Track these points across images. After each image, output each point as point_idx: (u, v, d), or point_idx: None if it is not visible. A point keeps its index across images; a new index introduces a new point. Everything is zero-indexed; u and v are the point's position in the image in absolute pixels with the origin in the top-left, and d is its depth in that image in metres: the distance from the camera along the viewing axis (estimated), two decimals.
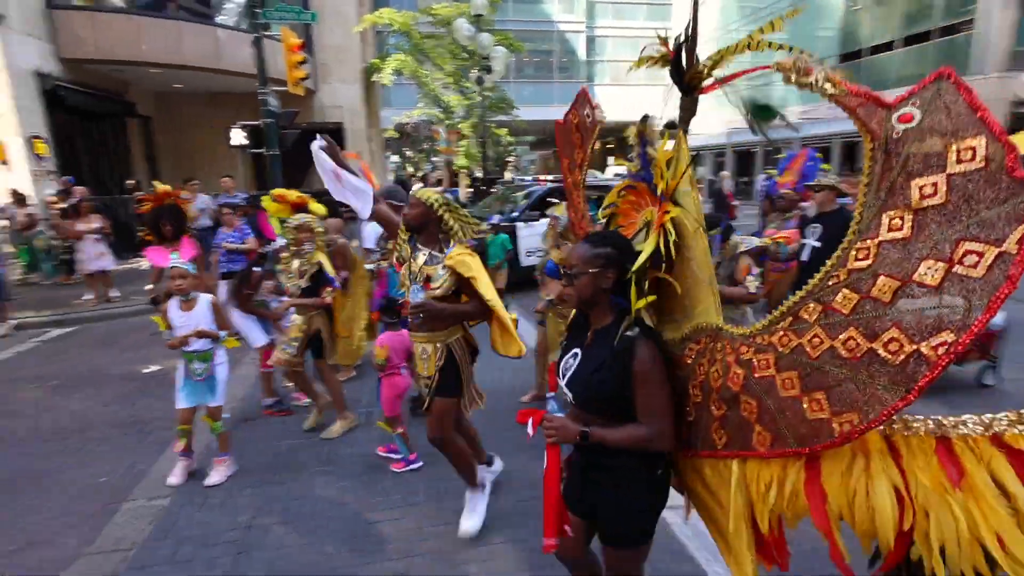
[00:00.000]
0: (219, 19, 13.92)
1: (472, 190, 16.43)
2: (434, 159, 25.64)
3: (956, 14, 18.43)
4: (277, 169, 9.63)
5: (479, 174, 17.22)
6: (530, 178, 18.14)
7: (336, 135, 16.46)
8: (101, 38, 11.28)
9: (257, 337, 4.48)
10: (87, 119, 12.07)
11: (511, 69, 23.58)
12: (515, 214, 8.66)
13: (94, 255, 8.06)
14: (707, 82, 1.50)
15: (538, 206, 8.73)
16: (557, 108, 30.55)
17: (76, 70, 11.30)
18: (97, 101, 12.12)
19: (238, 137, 10.46)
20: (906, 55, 20.44)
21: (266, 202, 4.45)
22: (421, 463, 3.54)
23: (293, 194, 4.39)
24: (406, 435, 3.55)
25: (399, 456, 3.56)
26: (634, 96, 35.20)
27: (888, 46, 21.21)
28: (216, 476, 3.44)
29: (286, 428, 4.20)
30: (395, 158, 29.41)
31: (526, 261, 8.17)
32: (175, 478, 3.43)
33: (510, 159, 28.44)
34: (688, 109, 1.59)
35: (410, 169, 27.27)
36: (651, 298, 1.57)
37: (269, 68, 9.78)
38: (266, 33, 10.14)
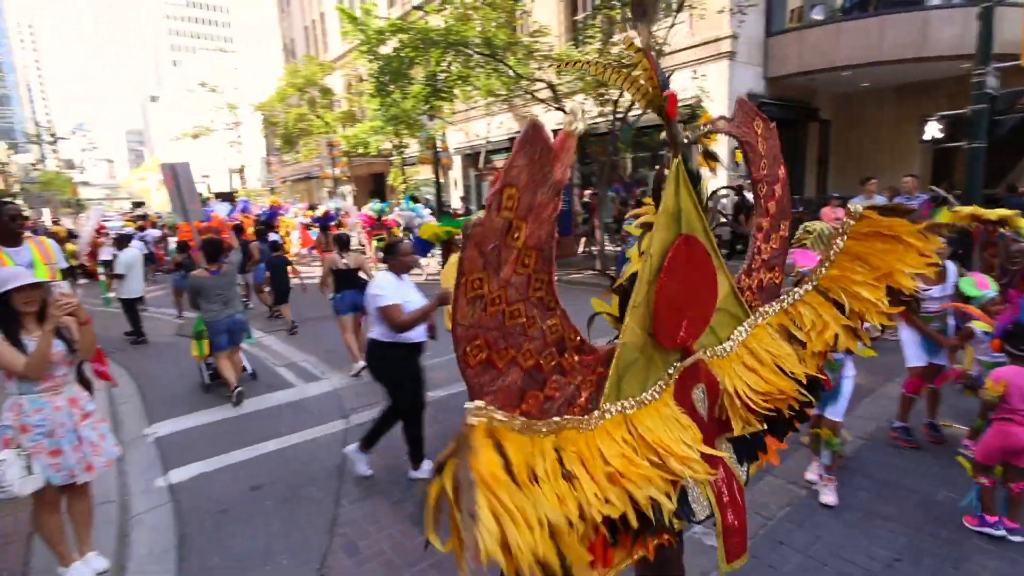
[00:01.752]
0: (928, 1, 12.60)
1: None
2: None
3: None
4: (977, 163, 8.00)
5: None
6: None
7: None
8: (804, 52, 12.49)
9: (913, 356, 3.98)
10: (779, 128, 13.80)
11: None
12: None
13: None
14: None
15: None
16: None
17: (776, 85, 13.03)
18: (787, 111, 13.60)
19: (932, 130, 9.30)
20: None
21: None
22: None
23: None
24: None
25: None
26: None
27: None
28: (829, 496, 3.29)
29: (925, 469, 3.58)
30: None
31: None
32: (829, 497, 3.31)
33: None
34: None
35: None
36: None
37: (993, 43, 8.10)
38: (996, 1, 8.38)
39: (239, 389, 5.48)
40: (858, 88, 13.87)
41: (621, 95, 10.79)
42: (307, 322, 8.63)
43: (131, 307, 8.25)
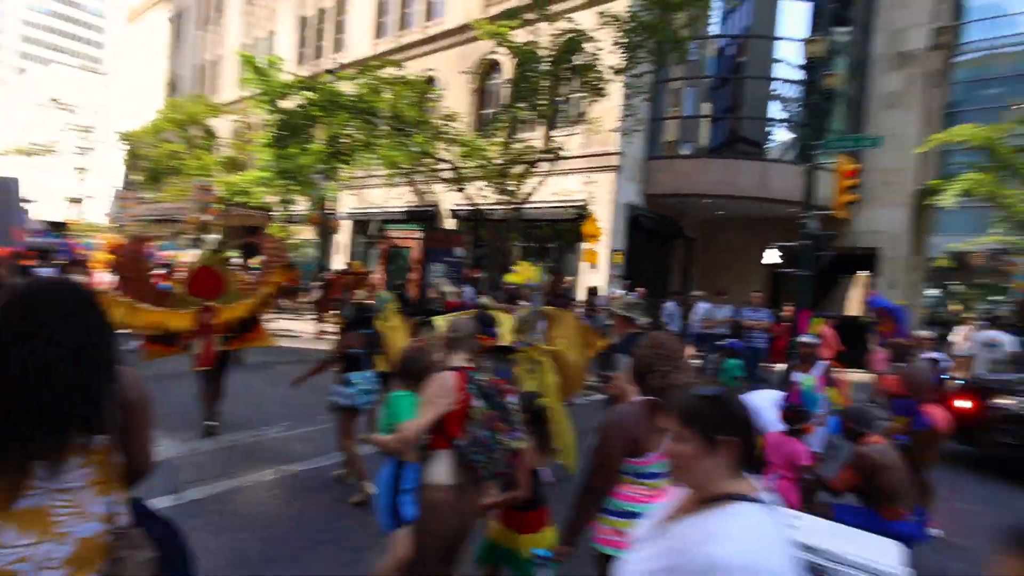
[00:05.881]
0: (769, 154, 15.40)
1: None
2: (995, 298, 19.82)
3: None
4: (806, 289, 9.59)
5: None
6: None
7: (868, 261, 15.10)
8: (675, 178, 14.40)
9: None
10: (651, 239, 15.42)
11: None
12: None
13: None
14: None
15: None
16: None
17: (653, 202, 14.73)
18: (661, 225, 15.34)
19: (772, 256, 11.02)
20: None
21: None
22: None
23: None
24: None
25: None
26: None
27: None
28: None
29: None
30: (936, 291, 24.38)
31: None
32: None
33: None
34: None
35: (955, 307, 21.95)
36: None
37: (815, 195, 10.03)
38: (818, 164, 10.51)
39: None
40: (716, 215, 16.16)
41: (519, 186, 11.47)
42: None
43: None
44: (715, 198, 14.28)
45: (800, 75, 13.98)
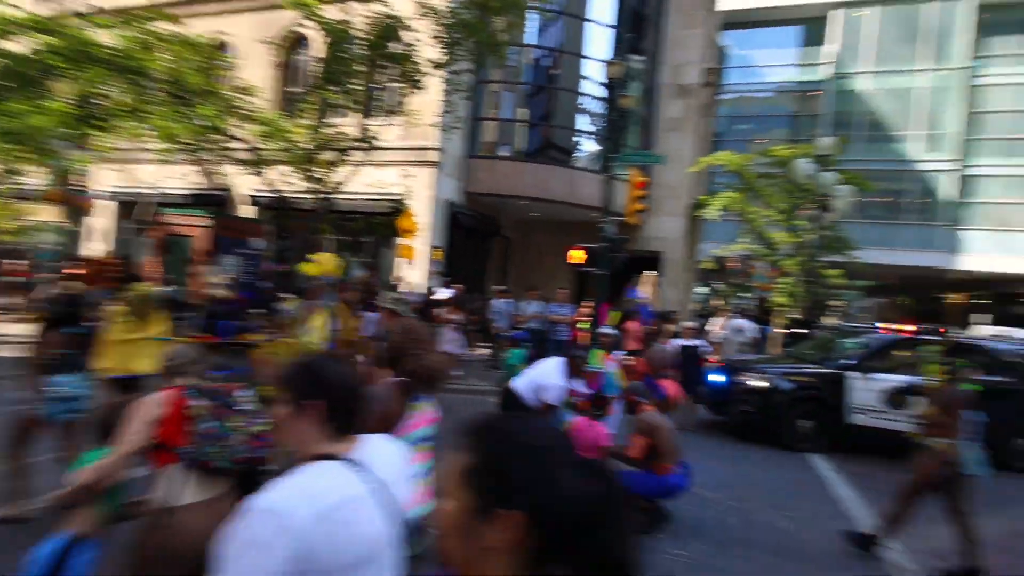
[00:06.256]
0: (577, 163, 16.61)
1: (788, 331, 14.81)
2: (743, 294, 24.37)
3: None
4: (604, 286, 10.50)
5: (797, 316, 15.69)
6: (867, 325, 15.77)
7: (654, 263, 17.24)
8: (494, 178, 14.69)
9: None
10: (469, 237, 15.52)
11: (855, 208, 21.27)
12: (847, 362, 7.28)
13: (448, 340, 9.89)
14: None
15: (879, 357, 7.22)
16: (906, 252, 26.01)
17: (472, 200, 14.84)
18: (480, 223, 15.53)
19: (576, 257, 11.87)
20: None
21: None
22: None
23: None
24: None
25: None
26: (1016, 242, 27.23)
27: None
28: None
29: None
30: (704, 289, 29.20)
31: (856, 419, 6.91)
32: None
33: (836, 303, 24.95)
34: None
35: (716, 302, 26.54)
36: None
37: (612, 202, 11.04)
38: (616, 174, 11.60)
39: None
40: (531, 216, 16.93)
41: (328, 174, 10.52)
42: None
43: None
44: (530, 200, 14.93)
45: (603, 92, 15.32)
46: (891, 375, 6.91)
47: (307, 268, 5.20)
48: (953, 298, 34.79)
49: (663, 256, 16.73)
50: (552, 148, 16.29)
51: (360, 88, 10.51)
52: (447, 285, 12.13)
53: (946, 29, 28.27)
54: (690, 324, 8.93)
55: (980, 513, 5.34)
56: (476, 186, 14.68)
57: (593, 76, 15.70)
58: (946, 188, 28.33)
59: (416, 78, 10.37)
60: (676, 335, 8.55)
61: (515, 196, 14.78)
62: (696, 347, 8.22)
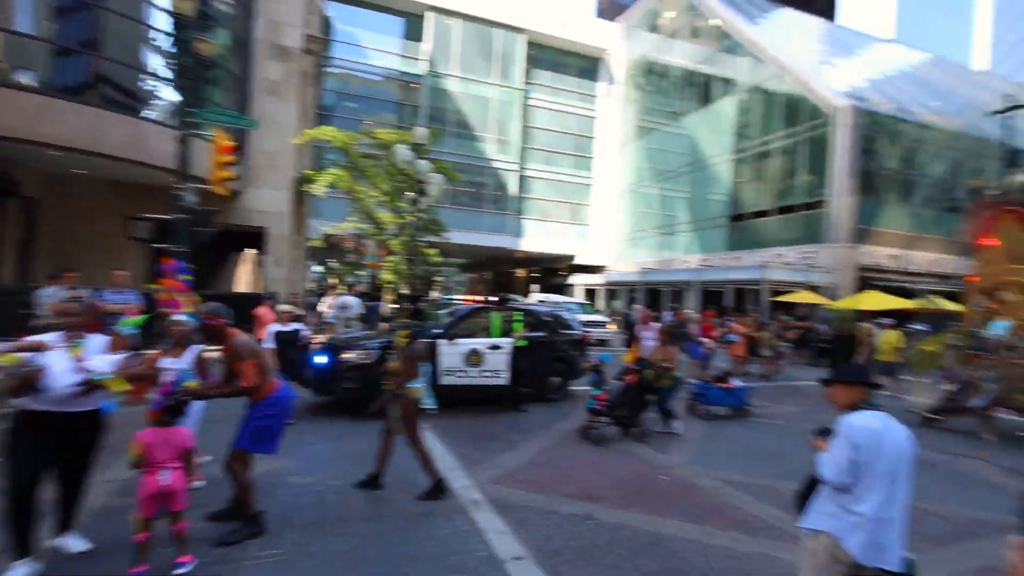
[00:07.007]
0: (147, 112, 13.38)
1: (397, 305, 15.93)
2: (359, 272, 25.16)
3: (813, 195, 22.50)
4: (181, 263, 8.65)
5: (406, 291, 17.12)
6: (457, 298, 18.42)
7: (257, 239, 15.70)
8: (5, 114, 10.35)
9: None
10: None
11: (447, 195, 24.47)
12: (437, 331, 8.25)
13: None
14: None
15: (460, 325, 8.42)
16: (487, 235, 31.82)
17: None
18: None
19: (141, 230, 9.49)
20: (778, 222, 24.32)
21: None
22: None
23: None
24: None
25: None
26: (556, 230, 37.35)
27: (764, 213, 25.21)
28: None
29: None
30: (319, 268, 28.66)
31: (445, 380, 7.86)
32: None
33: (438, 279, 28.56)
34: None
35: (332, 280, 26.51)
36: None
37: (193, 166, 9.25)
38: (195, 132, 9.76)
39: None
40: (73, 172, 12.81)
41: None
42: None
43: None
44: (71, 151, 11.21)
45: (175, 30, 12.72)
46: (470, 339, 8.14)
47: None
48: (519, 273, 45.01)
49: (267, 232, 15.43)
50: (108, 87, 12.64)
51: None
52: None
53: (509, 55, 35.47)
54: (285, 308, 8.25)
55: (526, 439, 6.61)
56: None
57: (164, 5, 12.84)
58: (511, 184, 35.94)
59: None
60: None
61: (45, 144, 10.83)
62: (296, 332, 7.69)
